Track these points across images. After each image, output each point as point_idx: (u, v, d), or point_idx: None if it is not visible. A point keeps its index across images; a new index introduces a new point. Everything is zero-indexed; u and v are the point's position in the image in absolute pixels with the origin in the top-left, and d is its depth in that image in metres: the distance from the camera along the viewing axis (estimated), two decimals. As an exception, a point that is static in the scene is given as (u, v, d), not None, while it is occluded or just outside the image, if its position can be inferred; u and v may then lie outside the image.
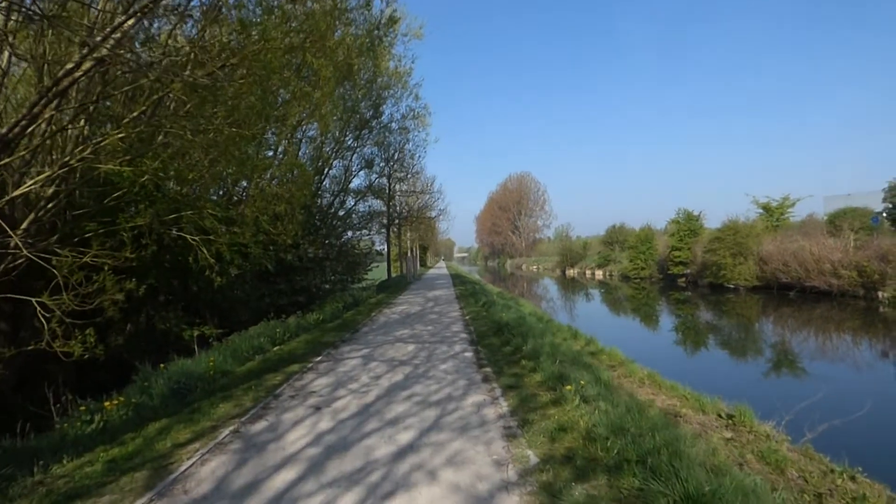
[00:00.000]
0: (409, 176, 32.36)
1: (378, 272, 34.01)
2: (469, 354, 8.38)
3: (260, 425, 5.08)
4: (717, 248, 29.43)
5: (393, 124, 24.52)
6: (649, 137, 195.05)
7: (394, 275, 40.62)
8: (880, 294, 20.41)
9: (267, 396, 6.14)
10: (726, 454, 5.23)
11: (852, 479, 4.99)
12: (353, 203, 26.90)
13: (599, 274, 53.23)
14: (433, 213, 40.08)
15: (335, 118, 17.72)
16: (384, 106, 22.54)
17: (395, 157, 29.13)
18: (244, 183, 12.90)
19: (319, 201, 23.99)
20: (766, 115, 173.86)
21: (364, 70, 16.21)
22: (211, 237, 8.61)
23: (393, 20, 16.18)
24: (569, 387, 5.60)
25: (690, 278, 34.27)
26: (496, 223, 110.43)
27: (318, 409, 5.57)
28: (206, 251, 8.42)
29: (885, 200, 24.76)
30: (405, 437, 4.61)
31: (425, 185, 37.49)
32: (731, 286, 28.25)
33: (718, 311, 21.94)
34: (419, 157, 30.29)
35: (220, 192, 13.31)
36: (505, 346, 8.96)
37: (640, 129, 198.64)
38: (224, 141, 7.22)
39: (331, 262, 21.16)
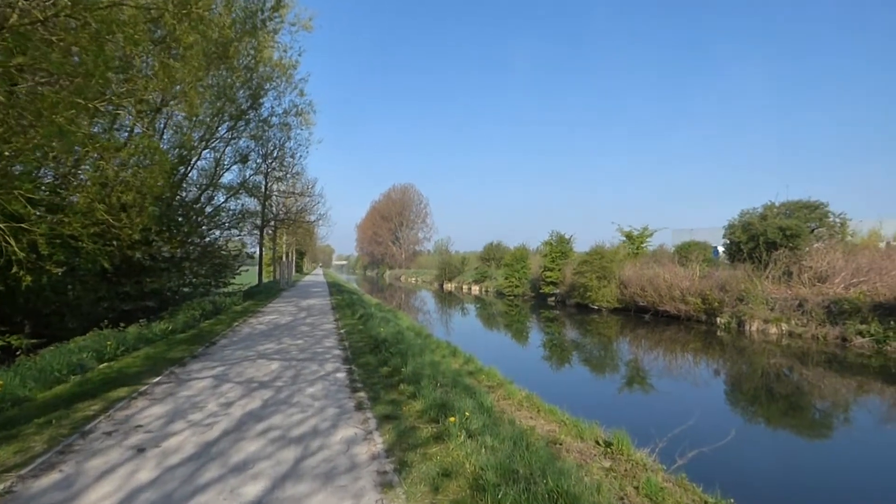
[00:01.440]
0: (288, 176, 30.46)
1: (248, 277, 31.47)
2: (342, 375, 7.46)
3: (49, 479, 3.75)
4: (585, 271, 31.07)
5: (274, 118, 22.82)
6: (527, 158, 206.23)
7: (266, 280, 38.01)
8: (718, 320, 22.61)
9: (71, 434, 4.73)
10: (608, 488, 4.96)
11: (725, 510, 4.95)
12: (223, 200, 24.56)
13: (476, 289, 54.30)
14: (312, 217, 38.29)
15: (205, 102, 15.89)
16: (265, 98, 20.87)
17: (275, 155, 27.25)
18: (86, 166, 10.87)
19: (184, 195, 21.54)
20: (633, 150, 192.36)
21: (243, 55, 14.66)
22: (23, 225, 6.90)
23: (279, 5, 14.85)
24: (452, 418, 4.99)
25: (559, 298, 35.89)
26: (377, 233, 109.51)
27: (140, 450, 4.35)
28: (13, 242, 6.71)
29: (724, 236, 27.68)
30: (253, 490, 3.63)
31: (306, 186, 35.74)
32: (596, 307, 29.90)
33: (586, 331, 22.98)
34: (301, 156, 28.61)
35: (51, 175, 11.08)
36: (382, 365, 8.18)
37: (518, 149, 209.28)
38: (47, 106, 5.73)
39: (191, 263, 18.96)
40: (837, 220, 24.59)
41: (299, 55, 20.23)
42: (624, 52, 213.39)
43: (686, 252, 29.97)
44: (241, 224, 25.59)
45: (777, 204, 25.30)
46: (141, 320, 11.12)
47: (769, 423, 9.65)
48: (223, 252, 22.45)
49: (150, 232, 14.97)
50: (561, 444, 6.18)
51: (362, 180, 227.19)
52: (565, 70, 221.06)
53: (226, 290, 22.53)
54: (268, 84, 20.33)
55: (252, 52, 15.11)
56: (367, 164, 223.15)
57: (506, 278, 44.00)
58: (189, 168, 20.89)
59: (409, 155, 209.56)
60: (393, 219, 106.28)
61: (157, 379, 6.95)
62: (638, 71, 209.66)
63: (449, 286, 61.70)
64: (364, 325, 13.23)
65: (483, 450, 4.25)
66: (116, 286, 14.01)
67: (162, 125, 16.82)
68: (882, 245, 25.94)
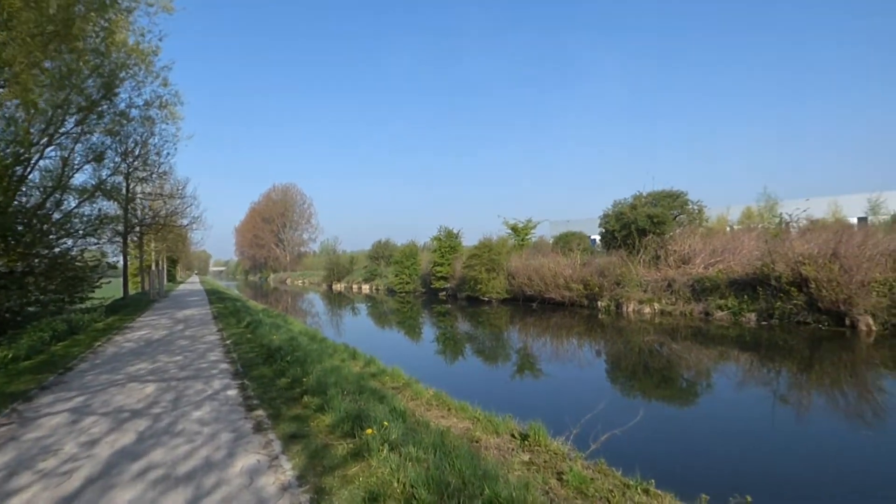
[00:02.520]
0: (154, 176, 27.33)
1: (112, 289, 27.98)
2: (233, 392, 6.60)
3: None
4: (474, 264, 31.73)
5: (133, 111, 20.29)
6: (413, 155, 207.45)
7: (134, 292, 34.18)
8: (599, 304, 24.13)
9: None
10: (531, 481, 4.82)
11: (646, 492, 4.99)
12: (75, 204, 21.48)
13: (366, 288, 53.52)
14: (185, 221, 34.96)
15: (45, 90, 13.64)
16: (120, 88, 18.43)
17: (137, 153, 24.38)
18: None
19: (25, 200, 18.48)
20: (507, 144, 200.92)
21: (91, 36, 12.71)
22: None
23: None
24: (370, 430, 4.50)
25: (451, 292, 36.38)
26: (259, 235, 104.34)
27: (-31, 521, 3.39)
28: None
29: (600, 226, 29.59)
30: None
31: (175, 187, 32.53)
32: (486, 299, 30.63)
33: (479, 323, 23.34)
34: (168, 154, 25.81)
35: None
36: (280, 376, 7.39)
37: (403, 147, 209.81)
38: None
39: (36, 278, 16.28)
40: (696, 207, 27.27)
41: (160, 40, 18.17)
42: (492, 48, 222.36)
43: (565, 242, 31.72)
44: (98, 231, 22.53)
45: (645, 194, 27.47)
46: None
47: (665, 400, 10.24)
48: (77, 263, 19.57)
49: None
50: (478, 442, 5.99)
51: (239, 181, 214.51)
52: (442, 65, 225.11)
53: (83, 305, 19.72)
54: (123, 72, 17.96)
55: (101, 33, 13.15)
56: (243, 165, 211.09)
57: (396, 275, 43.80)
58: (29, 169, 17.95)
59: (288, 154, 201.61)
60: (275, 220, 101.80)
61: None
62: (507, 67, 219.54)
63: (338, 286, 60.25)
64: (253, 333, 12.16)
65: (409, 463, 3.83)
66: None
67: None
68: (728, 229, 29.27)
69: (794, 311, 16.60)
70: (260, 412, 5.68)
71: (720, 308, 19.22)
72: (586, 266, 26.14)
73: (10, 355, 9.00)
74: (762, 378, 11.52)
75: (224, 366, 8.46)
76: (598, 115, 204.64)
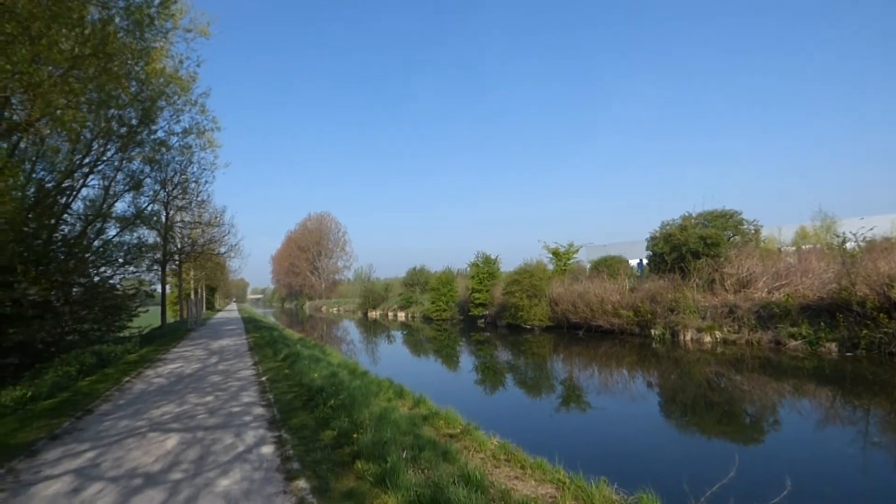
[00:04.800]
0: (192, 204, 27.40)
1: (151, 318, 27.78)
2: (269, 450, 5.52)
3: None
4: (515, 291, 30.44)
5: (172, 139, 20.17)
6: (441, 183, 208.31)
7: (171, 320, 34.08)
8: (653, 331, 22.45)
9: None
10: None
11: None
12: (115, 233, 21.36)
13: (402, 315, 52.57)
14: (222, 250, 34.94)
15: (87, 114, 13.32)
16: (160, 115, 18.30)
17: (176, 181, 24.33)
18: None
19: (69, 230, 18.37)
20: (548, 167, 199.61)
21: (129, 57, 12.35)
22: None
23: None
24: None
25: (490, 319, 35.07)
26: (294, 263, 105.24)
27: None
28: None
29: (647, 248, 28.02)
30: None
31: (213, 215, 32.51)
32: (528, 326, 29.22)
33: (523, 352, 22.00)
34: (206, 182, 25.72)
35: None
36: (324, 427, 6.30)
37: (432, 174, 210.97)
38: None
39: (73, 307, 15.84)
40: (752, 227, 25.48)
41: (198, 66, 17.97)
42: (517, 71, 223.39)
43: (604, 267, 30.18)
44: (137, 260, 22.37)
45: (694, 214, 25.91)
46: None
47: (766, 447, 8.73)
48: (116, 292, 19.27)
49: (13, 273, 12.16)
50: (574, 519, 4.77)
51: (275, 210, 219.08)
52: (465, 93, 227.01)
53: (121, 335, 19.34)
54: (162, 100, 17.84)
55: (140, 56, 12.80)
56: (279, 194, 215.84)
57: (433, 302, 42.77)
58: (72, 198, 17.85)
59: (322, 184, 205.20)
60: (310, 248, 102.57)
61: None
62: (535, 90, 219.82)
63: (374, 314, 59.51)
64: (290, 367, 11.20)
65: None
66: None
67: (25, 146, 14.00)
68: (779, 250, 27.23)
69: (884, 340, 14.73)
70: (302, 483, 4.53)
71: (793, 337, 17.38)
72: (635, 291, 24.56)
73: (30, 394, 8.25)
74: (873, 419, 9.86)
75: (259, 410, 7.44)
76: (627, 137, 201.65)
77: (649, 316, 22.64)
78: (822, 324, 16.81)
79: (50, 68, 8.96)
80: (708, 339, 20.06)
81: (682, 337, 20.90)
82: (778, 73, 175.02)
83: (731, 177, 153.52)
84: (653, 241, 26.86)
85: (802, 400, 11.56)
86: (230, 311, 66.29)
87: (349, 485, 4.46)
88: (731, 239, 24.84)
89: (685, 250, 23.88)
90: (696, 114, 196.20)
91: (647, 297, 23.30)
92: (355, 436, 5.45)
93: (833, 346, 16.03)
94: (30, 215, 14.25)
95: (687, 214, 26.06)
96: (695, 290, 22.31)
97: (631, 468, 7.48)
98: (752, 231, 25.53)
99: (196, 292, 42.68)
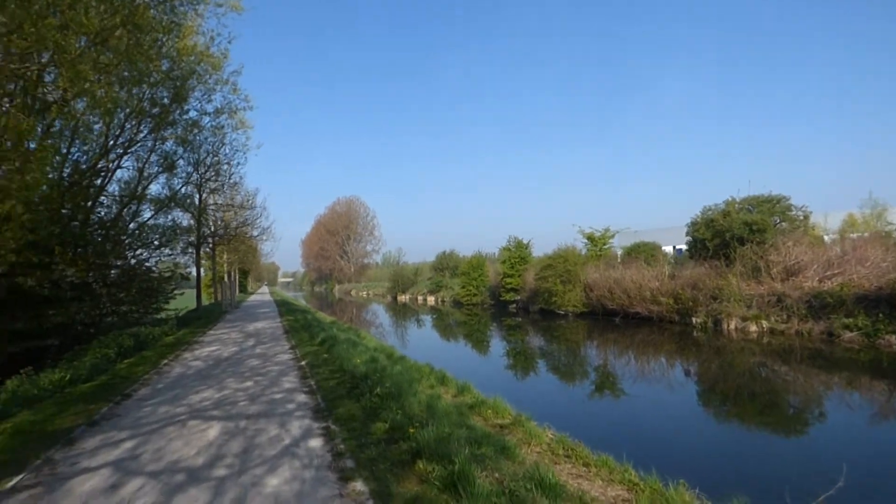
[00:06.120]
0: (225, 186, 27.26)
1: (186, 300, 27.98)
2: (317, 444, 5.03)
3: None
4: (548, 276, 29.74)
5: (204, 119, 19.88)
6: (470, 166, 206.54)
7: (206, 303, 34.39)
8: (694, 319, 21.54)
9: None
10: None
11: None
12: (150, 215, 21.34)
13: (431, 300, 52.30)
14: (255, 232, 34.96)
15: (119, 93, 13.02)
16: (191, 95, 17.98)
17: (208, 163, 24.16)
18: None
19: (105, 213, 18.38)
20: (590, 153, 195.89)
21: (160, 32, 11.95)
22: None
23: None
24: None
25: (521, 304, 34.46)
26: (324, 247, 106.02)
27: None
28: None
29: (687, 234, 26.90)
30: None
31: (246, 198, 32.46)
32: (562, 312, 28.55)
33: (558, 338, 21.38)
34: (238, 164, 25.53)
35: None
36: (373, 418, 5.80)
37: (459, 157, 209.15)
38: None
39: (110, 289, 15.83)
40: (800, 213, 24.17)
41: (229, 42, 17.52)
42: (550, 55, 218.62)
43: (637, 253, 29.16)
44: (172, 242, 22.38)
45: (738, 199, 24.70)
46: (27, 369, 8.17)
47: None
48: (152, 274, 19.29)
49: (51, 254, 12.05)
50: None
51: (304, 194, 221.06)
52: (494, 74, 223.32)
53: (158, 316, 19.39)
54: (193, 79, 17.50)
55: (169, 28, 12.37)
56: (308, 177, 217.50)
57: (463, 287, 42.32)
58: (107, 180, 17.78)
59: (350, 166, 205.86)
60: (339, 232, 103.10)
61: (15, 481, 4.24)
62: (565, 71, 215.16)
63: (403, 298, 59.48)
64: (329, 352, 10.80)
65: None
66: (3, 323, 10.96)
67: (59, 126, 13.81)
68: (827, 239, 25.80)
69: (952, 333, 13.63)
70: (359, 485, 3.99)
71: (848, 328, 16.29)
72: (675, 278, 23.61)
73: (69, 377, 8.00)
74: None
75: (301, 398, 7.00)
76: (663, 122, 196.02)
77: (690, 303, 21.77)
78: (880, 315, 15.70)
79: (80, 41, 8.65)
80: (754, 328, 19.11)
81: (725, 326, 19.97)
82: (824, 55, 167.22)
83: (773, 163, 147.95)
84: (693, 227, 25.78)
85: (863, 393, 10.73)
86: (262, 294, 67.15)
87: (413, 489, 3.89)
88: (778, 225, 23.60)
89: (729, 236, 22.80)
90: (731, 100, 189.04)
91: (689, 284, 22.41)
92: (411, 430, 4.92)
93: (893, 339, 14.97)
94: (65, 196, 14.16)
95: (731, 199, 24.85)
96: (738, 278, 21.27)
97: (695, 465, 6.86)
98: (801, 217, 24.19)
99: (230, 275, 43.04)
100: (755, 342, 17.07)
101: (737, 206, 24.31)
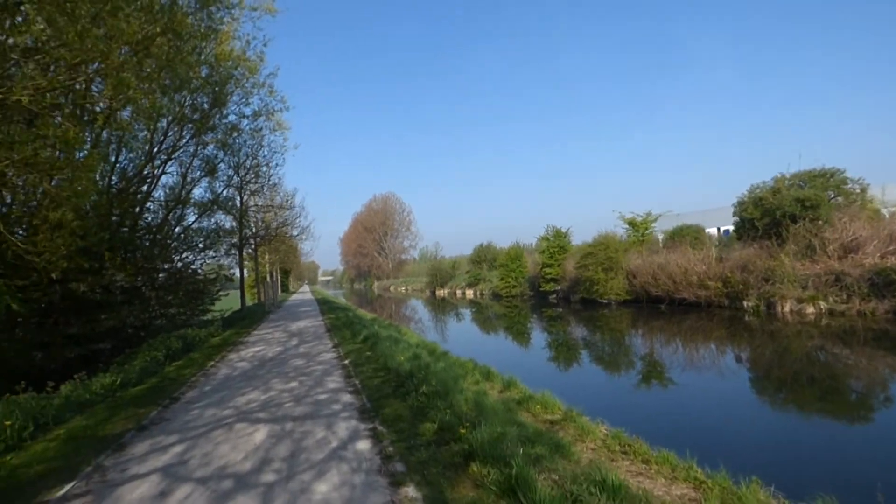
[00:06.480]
0: (265, 188, 27.76)
1: (231, 301, 28.68)
2: (365, 446, 4.91)
3: None
4: (590, 264, 29.02)
5: (243, 122, 20.20)
6: (505, 157, 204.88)
7: (250, 303, 35.15)
8: (745, 303, 20.65)
9: None
10: None
11: None
12: (194, 219, 21.88)
13: (470, 293, 52.08)
14: (295, 232, 35.49)
15: (163, 101, 13.28)
16: (229, 99, 18.27)
17: (248, 165, 24.60)
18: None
19: (152, 218, 18.95)
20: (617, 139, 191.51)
21: (198, 38, 12.14)
22: None
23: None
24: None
25: (562, 294, 33.83)
26: (362, 244, 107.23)
27: None
28: None
29: (735, 214, 25.84)
30: None
31: (285, 199, 32.95)
32: (604, 301, 27.89)
33: (602, 328, 20.79)
34: (276, 165, 25.91)
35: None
36: (420, 418, 5.65)
37: (495, 148, 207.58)
38: None
39: (158, 292, 16.26)
40: (857, 186, 22.79)
41: (265, 45, 17.72)
42: (584, 42, 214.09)
43: (680, 237, 28.14)
44: (216, 244, 22.92)
45: (788, 175, 23.47)
46: (80, 374, 8.37)
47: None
48: (198, 277, 19.78)
49: (101, 259, 12.42)
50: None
51: (342, 193, 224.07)
52: (532, 64, 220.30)
53: (204, 318, 19.88)
54: (231, 83, 17.77)
55: (206, 34, 12.55)
56: (344, 176, 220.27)
57: (501, 279, 41.90)
58: (153, 186, 18.29)
59: (386, 163, 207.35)
60: (376, 229, 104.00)
61: (66, 489, 4.24)
62: (603, 64, 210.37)
63: (441, 292, 59.47)
64: (372, 350, 10.74)
65: None
66: (61, 329, 11.36)
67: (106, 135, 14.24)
68: (885, 212, 24.24)
69: None
70: (411, 490, 3.82)
71: (917, 305, 15.30)
72: (723, 261, 22.70)
73: (119, 381, 8.17)
74: None
75: (346, 398, 6.91)
76: (701, 103, 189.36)
77: (741, 286, 20.89)
78: (953, 292, 14.67)
79: (122, 50, 8.84)
80: (811, 310, 18.16)
81: (779, 308, 19.07)
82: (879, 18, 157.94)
83: (822, 134, 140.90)
84: (741, 206, 24.71)
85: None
86: (303, 292, 68.36)
87: (468, 495, 3.68)
88: (833, 200, 22.34)
89: (780, 214, 21.75)
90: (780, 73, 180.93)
91: (738, 266, 21.53)
92: (462, 430, 4.72)
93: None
94: (114, 203, 14.59)
95: (780, 176, 23.66)
96: (792, 258, 20.24)
97: (761, 459, 6.41)
98: (857, 191, 22.80)
99: (271, 275, 43.94)
100: (813, 324, 16.25)
101: (787, 182, 23.16)
